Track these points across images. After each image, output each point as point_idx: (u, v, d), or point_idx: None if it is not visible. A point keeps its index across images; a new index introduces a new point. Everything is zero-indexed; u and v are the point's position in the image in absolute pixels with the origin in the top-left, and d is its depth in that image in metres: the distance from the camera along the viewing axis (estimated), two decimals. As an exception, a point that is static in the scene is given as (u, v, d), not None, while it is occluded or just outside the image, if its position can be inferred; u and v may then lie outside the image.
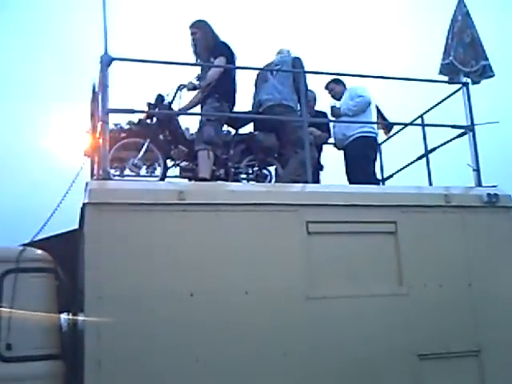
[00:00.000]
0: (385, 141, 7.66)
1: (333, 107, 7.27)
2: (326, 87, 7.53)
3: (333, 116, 7.31)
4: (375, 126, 7.26)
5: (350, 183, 6.92)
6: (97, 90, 5.92)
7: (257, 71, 6.97)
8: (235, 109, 6.56)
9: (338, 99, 7.43)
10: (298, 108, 6.54)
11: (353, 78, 7.26)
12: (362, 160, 6.94)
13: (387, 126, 7.60)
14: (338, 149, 7.43)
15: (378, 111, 7.61)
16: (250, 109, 6.91)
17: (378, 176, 7.48)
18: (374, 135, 7.14)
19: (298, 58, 6.86)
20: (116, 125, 6.27)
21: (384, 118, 7.65)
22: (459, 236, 5.71)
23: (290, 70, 6.73)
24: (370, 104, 7.16)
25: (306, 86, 6.70)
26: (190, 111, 6.59)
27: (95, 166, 5.90)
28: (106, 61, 5.38)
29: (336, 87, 7.47)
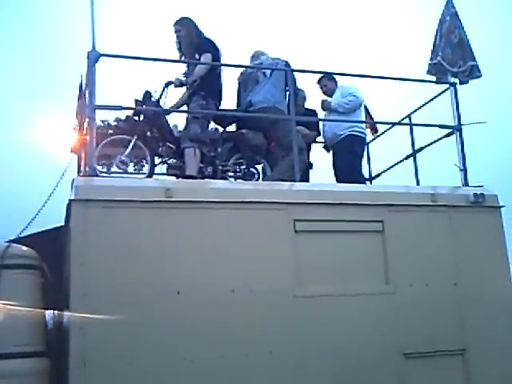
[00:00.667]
0: (373, 140, 7.68)
1: (323, 101, 7.27)
2: (319, 82, 7.50)
3: (323, 110, 7.32)
4: (364, 125, 7.27)
5: (337, 179, 6.94)
6: (84, 86, 5.88)
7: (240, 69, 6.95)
8: (221, 106, 6.55)
9: (330, 95, 7.42)
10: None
11: (344, 77, 7.29)
12: (349, 157, 6.95)
13: (374, 126, 7.61)
14: (327, 151, 7.45)
15: (366, 111, 7.62)
16: (235, 107, 6.88)
17: (366, 175, 7.50)
18: (363, 135, 7.15)
19: (287, 63, 6.85)
20: (103, 121, 6.22)
21: (371, 118, 7.66)
22: (446, 235, 5.74)
23: (278, 68, 6.71)
24: (361, 105, 7.17)
25: (296, 87, 6.70)
26: (178, 109, 6.56)
27: (82, 163, 5.86)
28: (94, 57, 5.35)
29: (328, 83, 7.45)
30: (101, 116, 5.90)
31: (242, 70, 6.94)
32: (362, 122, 7.21)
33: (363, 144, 7.24)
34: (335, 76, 7.49)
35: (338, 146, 7.15)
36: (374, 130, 7.61)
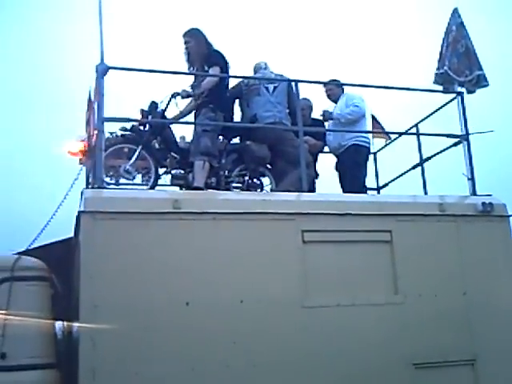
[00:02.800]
0: (382, 148, 7.67)
1: (325, 111, 7.27)
2: (325, 85, 7.49)
3: (324, 120, 7.32)
4: (369, 135, 7.27)
5: (342, 190, 6.94)
6: (92, 98, 5.92)
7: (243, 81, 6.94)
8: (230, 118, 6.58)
9: (334, 100, 7.41)
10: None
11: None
12: (353, 168, 6.93)
13: (386, 134, 7.61)
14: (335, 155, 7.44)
15: (375, 120, 7.62)
16: (240, 120, 6.89)
17: (374, 185, 7.50)
18: (367, 145, 7.14)
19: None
20: (111, 133, 6.24)
21: (381, 127, 7.66)
22: (454, 245, 5.73)
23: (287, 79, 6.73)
24: (364, 115, 7.15)
25: (298, 102, 6.72)
26: (186, 120, 6.59)
27: (90, 175, 5.89)
28: (102, 70, 5.40)
29: (334, 88, 7.44)
30: (109, 127, 5.91)
31: (244, 81, 6.95)
32: (368, 132, 7.21)
33: (367, 154, 7.21)
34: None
35: (342, 156, 7.15)
36: (387, 137, 7.60)
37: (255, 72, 7.06)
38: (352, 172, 6.94)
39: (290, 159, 6.37)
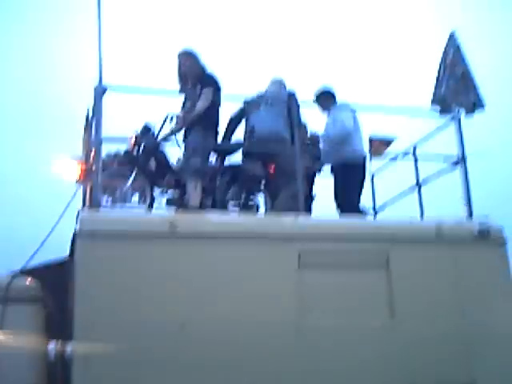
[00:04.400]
0: (377, 171, 7.67)
1: (312, 135, 7.27)
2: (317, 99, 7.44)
3: (311, 143, 7.32)
4: (364, 147, 7.23)
5: (337, 207, 6.93)
6: (90, 118, 5.93)
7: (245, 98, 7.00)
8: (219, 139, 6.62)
9: (327, 109, 7.38)
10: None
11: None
12: (347, 187, 6.92)
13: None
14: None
15: (372, 140, 7.57)
16: (243, 134, 6.92)
17: (371, 207, 7.49)
18: (362, 161, 7.08)
19: (293, 94, 6.89)
20: (108, 153, 6.27)
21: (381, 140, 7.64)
22: (451, 269, 5.70)
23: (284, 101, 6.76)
24: (350, 132, 7.07)
25: (300, 119, 6.75)
26: (179, 141, 6.60)
27: (87, 194, 5.88)
28: (100, 90, 5.41)
29: (326, 100, 7.39)
30: (106, 148, 5.93)
31: (246, 97, 6.99)
32: (359, 150, 7.16)
33: (363, 170, 7.18)
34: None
35: (336, 174, 7.14)
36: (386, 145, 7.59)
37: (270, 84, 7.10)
38: (347, 190, 6.92)
39: (287, 173, 6.37)
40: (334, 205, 7.11)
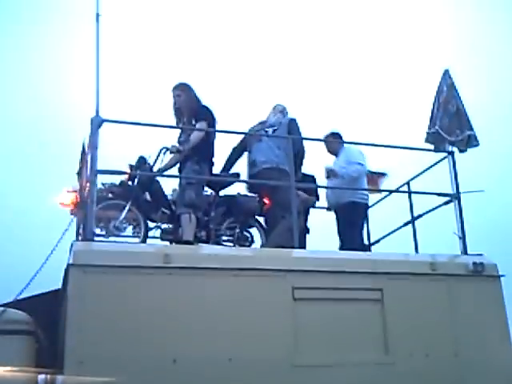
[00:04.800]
0: (372, 206, 7.70)
1: (330, 170, 7.27)
2: (325, 139, 7.53)
3: (327, 178, 7.33)
4: (367, 192, 7.32)
5: (341, 246, 6.93)
6: (86, 149, 5.95)
7: (247, 128, 7.06)
8: (214, 171, 6.63)
9: (334, 153, 7.45)
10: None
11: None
12: (351, 224, 6.97)
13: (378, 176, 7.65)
14: (328, 210, 7.45)
15: (370, 172, 7.62)
16: (246, 166, 6.93)
17: (365, 241, 7.49)
18: (365, 201, 7.19)
19: (294, 120, 6.94)
20: (103, 184, 6.27)
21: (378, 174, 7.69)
22: (445, 304, 5.70)
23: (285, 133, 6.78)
24: (363, 173, 7.21)
25: (303, 148, 6.78)
26: (173, 174, 6.61)
27: (81, 226, 5.86)
28: (97, 122, 5.43)
29: (334, 142, 7.49)
30: (101, 179, 5.94)
31: (247, 130, 7.03)
32: (364, 189, 7.23)
33: (365, 211, 7.26)
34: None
35: (340, 212, 7.18)
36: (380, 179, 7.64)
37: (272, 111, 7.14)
38: (350, 229, 6.94)
39: (283, 206, 6.38)
40: (329, 240, 7.13)
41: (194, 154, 6.33)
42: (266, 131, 6.89)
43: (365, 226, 7.33)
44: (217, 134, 6.60)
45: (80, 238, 5.63)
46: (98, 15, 5.70)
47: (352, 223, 6.98)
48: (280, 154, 6.68)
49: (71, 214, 6.27)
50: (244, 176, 6.86)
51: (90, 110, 5.45)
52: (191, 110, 6.62)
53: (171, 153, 6.44)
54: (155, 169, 6.42)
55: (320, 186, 7.44)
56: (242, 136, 7.06)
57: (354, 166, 7.10)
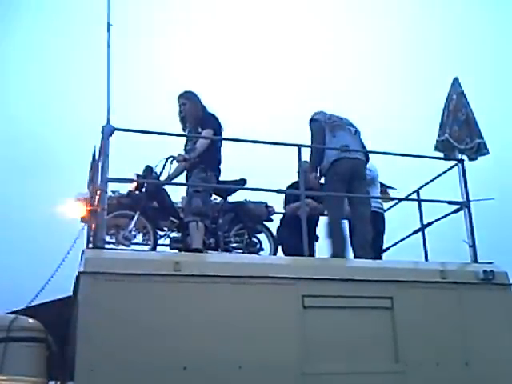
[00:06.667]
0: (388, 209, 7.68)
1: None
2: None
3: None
4: (381, 200, 7.30)
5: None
6: (97, 157, 5.99)
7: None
8: (220, 178, 6.62)
9: None
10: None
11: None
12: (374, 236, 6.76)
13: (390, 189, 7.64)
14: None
15: (382, 185, 7.60)
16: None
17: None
18: (381, 211, 7.16)
19: (311, 119, 6.84)
20: (114, 192, 6.31)
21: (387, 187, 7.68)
22: (456, 313, 5.67)
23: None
24: (374, 179, 7.17)
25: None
26: (179, 182, 6.63)
27: (92, 233, 5.90)
28: (108, 131, 5.47)
29: None
30: (111, 187, 5.98)
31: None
32: (374, 197, 7.21)
33: (382, 220, 7.20)
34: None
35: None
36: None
37: (314, 120, 6.88)
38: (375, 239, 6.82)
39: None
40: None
41: (201, 161, 6.35)
42: (349, 128, 6.71)
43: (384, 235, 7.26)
44: (223, 141, 6.63)
45: (90, 245, 5.67)
46: (109, 25, 5.76)
47: (374, 234, 6.82)
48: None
49: (81, 222, 6.31)
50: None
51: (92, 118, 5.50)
52: (197, 118, 6.65)
53: (178, 161, 6.47)
54: (162, 178, 6.46)
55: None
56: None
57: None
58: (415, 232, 7.02)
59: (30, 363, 4.75)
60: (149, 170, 6.39)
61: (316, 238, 7.22)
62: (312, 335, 5.14)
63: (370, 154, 6.83)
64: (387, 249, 7.50)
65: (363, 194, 6.53)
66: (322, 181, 6.76)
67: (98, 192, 5.50)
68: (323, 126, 6.68)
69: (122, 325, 4.70)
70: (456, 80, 6.96)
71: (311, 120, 6.81)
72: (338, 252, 6.11)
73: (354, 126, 6.81)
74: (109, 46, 5.69)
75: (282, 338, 5.06)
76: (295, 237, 6.09)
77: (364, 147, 6.75)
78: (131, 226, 6.00)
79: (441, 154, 6.84)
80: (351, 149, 6.50)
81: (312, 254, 6.62)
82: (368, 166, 7.09)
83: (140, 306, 4.80)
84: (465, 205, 6.46)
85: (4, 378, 4.56)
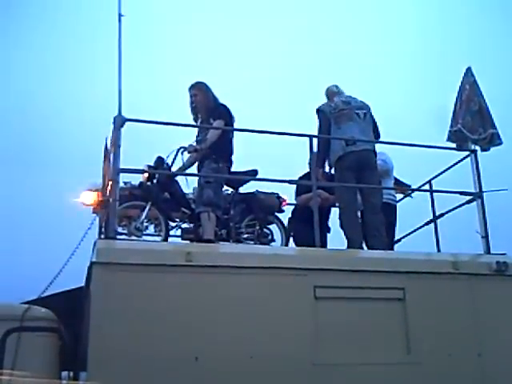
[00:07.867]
0: (400, 200, 7.66)
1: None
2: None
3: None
4: (394, 192, 7.28)
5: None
6: (109, 148, 6.00)
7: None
8: (232, 169, 6.64)
9: None
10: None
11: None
12: (387, 226, 6.79)
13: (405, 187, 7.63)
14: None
15: (397, 181, 7.58)
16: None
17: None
18: (394, 203, 7.14)
19: (317, 110, 6.82)
20: (125, 183, 6.31)
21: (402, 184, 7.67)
22: (468, 304, 5.64)
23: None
24: (388, 171, 7.14)
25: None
26: (192, 172, 6.64)
27: (104, 224, 5.92)
28: (120, 122, 5.48)
29: None
30: (123, 178, 5.99)
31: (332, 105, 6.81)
32: (390, 188, 7.18)
33: (394, 212, 7.18)
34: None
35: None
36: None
37: (329, 98, 6.98)
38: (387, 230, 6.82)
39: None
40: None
41: (212, 152, 6.36)
42: (358, 113, 6.70)
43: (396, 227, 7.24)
44: (235, 132, 6.61)
45: (103, 236, 5.68)
46: (120, 15, 5.75)
47: (386, 226, 6.76)
48: (370, 136, 6.66)
49: (93, 212, 6.33)
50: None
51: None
52: (208, 109, 6.66)
53: (189, 152, 6.47)
54: (173, 169, 6.46)
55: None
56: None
57: (379, 161, 6.99)
58: (428, 223, 7.00)
59: (43, 353, 4.76)
60: (160, 161, 6.40)
61: (328, 229, 7.21)
62: (324, 326, 5.13)
63: (381, 145, 6.81)
64: (399, 240, 7.49)
65: (374, 185, 6.50)
66: (333, 171, 6.76)
67: (110, 183, 5.51)
68: (328, 117, 6.66)
69: (134, 315, 4.72)
70: (469, 69, 6.90)
71: (317, 110, 6.80)
72: (354, 242, 6.10)
73: (363, 108, 6.76)
74: (120, 36, 5.68)
75: (293, 328, 5.06)
76: (307, 228, 6.08)
77: (376, 128, 6.69)
78: (143, 216, 6.02)
79: (453, 145, 6.79)
80: (357, 139, 6.47)
81: (324, 244, 6.62)
82: (383, 157, 7.07)
83: (152, 296, 4.81)
84: (478, 196, 6.43)
85: (16, 372, 4.58)
